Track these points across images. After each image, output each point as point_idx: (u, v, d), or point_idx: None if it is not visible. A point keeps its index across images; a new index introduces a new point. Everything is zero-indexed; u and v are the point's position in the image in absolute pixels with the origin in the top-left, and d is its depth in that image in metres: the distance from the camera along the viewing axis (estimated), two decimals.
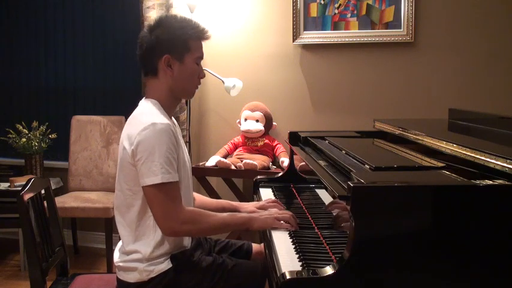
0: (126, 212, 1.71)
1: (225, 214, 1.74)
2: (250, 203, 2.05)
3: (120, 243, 1.80)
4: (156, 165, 1.58)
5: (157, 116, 1.66)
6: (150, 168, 1.58)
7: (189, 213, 1.65)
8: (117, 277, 1.77)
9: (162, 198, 1.59)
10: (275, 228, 1.71)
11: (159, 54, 1.72)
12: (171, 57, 1.72)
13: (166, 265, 1.68)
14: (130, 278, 1.69)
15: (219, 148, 3.33)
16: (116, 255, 1.77)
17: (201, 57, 1.79)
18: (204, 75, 1.82)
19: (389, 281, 1.23)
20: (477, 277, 1.25)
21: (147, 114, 1.67)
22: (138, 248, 1.68)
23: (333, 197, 1.71)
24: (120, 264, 1.72)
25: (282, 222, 1.72)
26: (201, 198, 2.05)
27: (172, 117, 1.84)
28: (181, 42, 1.72)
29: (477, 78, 3.04)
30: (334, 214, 1.81)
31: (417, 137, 1.84)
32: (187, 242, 1.78)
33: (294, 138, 2.33)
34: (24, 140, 3.59)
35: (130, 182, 1.68)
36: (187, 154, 1.83)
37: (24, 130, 3.64)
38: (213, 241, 1.99)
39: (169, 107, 1.77)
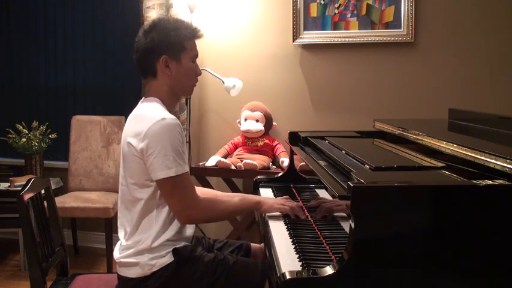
0: (132, 206, 1.74)
1: (236, 199, 1.83)
2: (270, 198, 2.07)
3: (120, 242, 1.80)
4: (169, 158, 1.63)
5: (163, 112, 1.71)
6: (163, 162, 1.63)
7: (205, 201, 1.74)
8: (117, 274, 1.78)
9: (178, 190, 1.67)
10: (275, 228, 1.72)
11: (156, 56, 1.77)
12: (169, 58, 1.77)
13: (168, 259, 1.70)
14: (132, 273, 1.71)
15: (219, 148, 3.33)
16: (117, 252, 1.78)
17: (196, 56, 1.85)
18: (200, 73, 1.88)
19: (389, 281, 1.23)
20: (477, 277, 1.25)
21: (153, 111, 1.72)
22: (139, 238, 1.71)
23: (333, 197, 1.72)
24: (122, 260, 1.73)
25: (288, 209, 1.83)
26: (216, 193, 2.10)
27: None
28: (177, 42, 1.78)
29: (477, 78, 3.04)
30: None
31: (417, 137, 1.84)
32: (188, 232, 1.80)
33: (294, 138, 2.33)
34: (24, 140, 3.59)
35: (136, 176, 1.71)
36: None
37: (24, 130, 3.64)
38: (211, 240, 2.00)
39: (170, 105, 1.82)
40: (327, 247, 1.51)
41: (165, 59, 1.76)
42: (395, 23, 3.09)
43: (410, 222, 1.23)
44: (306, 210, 1.90)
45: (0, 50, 4.08)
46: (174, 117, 1.70)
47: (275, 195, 2.19)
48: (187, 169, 1.69)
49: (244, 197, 1.89)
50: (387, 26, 3.11)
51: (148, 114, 1.70)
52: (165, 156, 1.63)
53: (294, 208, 1.84)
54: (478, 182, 1.27)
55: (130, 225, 1.74)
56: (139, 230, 1.72)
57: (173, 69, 1.77)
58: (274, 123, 3.32)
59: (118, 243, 1.82)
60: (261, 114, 3.24)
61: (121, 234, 1.78)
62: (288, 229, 1.71)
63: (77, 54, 3.93)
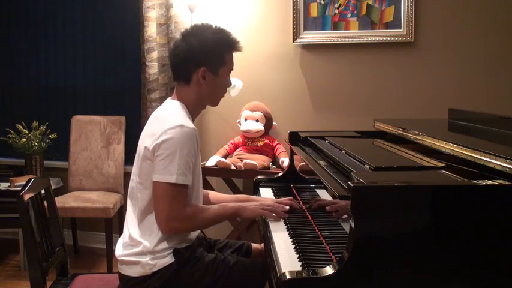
0: (136, 205, 1.75)
1: (215, 206, 1.80)
2: (269, 198, 2.08)
3: (121, 239, 1.80)
4: (174, 165, 1.62)
5: (184, 119, 1.71)
6: (167, 167, 1.63)
7: (189, 212, 1.69)
8: (118, 272, 1.78)
9: (170, 198, 1.64)
10: (275, 228, 1.72)
11: (194, 65, 1.76)
12: (207, 70, 1.76)
13: (169, 259, 1.70)
14: (133, 272, 1.71)
15: (219, 148, 3.33)
16: (119, 250, 1.78)
17: (232, 69, 1.85)
18: (230, 84, 1.87)
19: (389, 280, 1.23)
20: (477, 277, 1.25)
21: (175, 115, 1.72)
22: (143, 240, 1.71)
23: (333, 197, 1.72)
24: (123, 258, 1.74)
25: (268, 212, 1.80)
26: (216, 194, 2.10)
27: None
28: (218, 55, 1.77)
29: (477, 78, 3.04)
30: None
31: (417, 137, 1.84)
32: (191, 236, 1.80)
33: (294, 138, 2.33)
34: (24, 140, 3.59)
35: (143, 176, 1.72)
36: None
37: (24, 130, 3.64)
38: (212, 241, 2.00)
39: (194, 113, 1.82)
40: (327, 247, 1.51)
41: (204, 71, 1.75)
42: (395, 23, 3.09)
43: (410, 222, 1.23)
44: (306, 211, 1.90)
45: (1, 50, 4.08)
46: (193, 126, 1.69)
47: (275, 195, 2.19)
48: (189, 182, 1.67)
49: (225, 204, 1.84)
50: (387, 26, 3.11)
51: (168, 118, 1.70)
52: (171, 162, 1.63)
53: (275, 211, 1.80)
54: (478, 182, 1.27)
55: (133, 223, 1.75)
56: (141, 232, 1.72)
57: (209, 82, 1.77)
58: (274, 123, 3.32)
59: (120, 240, 1.81)
60: (261, 114, 3.24)
61: (125, 230, 1.79)
62: (288, 229, 1.71)
63: (77, 55, 3.93)
